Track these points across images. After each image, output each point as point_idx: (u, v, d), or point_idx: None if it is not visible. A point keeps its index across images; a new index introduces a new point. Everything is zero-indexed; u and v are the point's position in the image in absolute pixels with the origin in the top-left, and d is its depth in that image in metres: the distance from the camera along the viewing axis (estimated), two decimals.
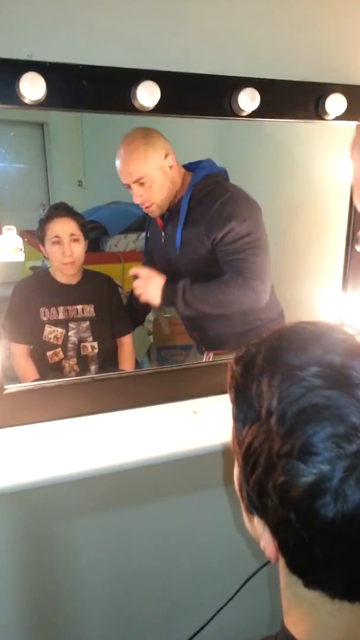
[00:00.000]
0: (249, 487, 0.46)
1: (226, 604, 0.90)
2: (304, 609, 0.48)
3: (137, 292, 1.22)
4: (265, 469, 0.43)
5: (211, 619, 0.92)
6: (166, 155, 1.20)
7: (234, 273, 1.21)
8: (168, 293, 1.20)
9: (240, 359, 0.50)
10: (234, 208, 1.19)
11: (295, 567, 0.46)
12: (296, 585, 0.47)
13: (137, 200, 1.22)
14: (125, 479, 1.17)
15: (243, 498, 0.49)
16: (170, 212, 1.26)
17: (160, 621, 1.34)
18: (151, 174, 1.19)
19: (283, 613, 0.51)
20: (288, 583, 0.48)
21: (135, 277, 1.23)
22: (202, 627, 0.93)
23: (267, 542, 0.47)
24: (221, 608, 0.91)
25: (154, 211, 1.25)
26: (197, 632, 0.94)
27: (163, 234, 1.31)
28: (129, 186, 1.21)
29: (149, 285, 1.20)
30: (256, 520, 0.48)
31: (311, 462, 0.40)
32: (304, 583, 0.46)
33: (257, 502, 0.46)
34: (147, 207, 1.24)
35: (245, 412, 0.47)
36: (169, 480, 1.25)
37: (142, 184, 1.19)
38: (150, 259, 1.40)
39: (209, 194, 1.21)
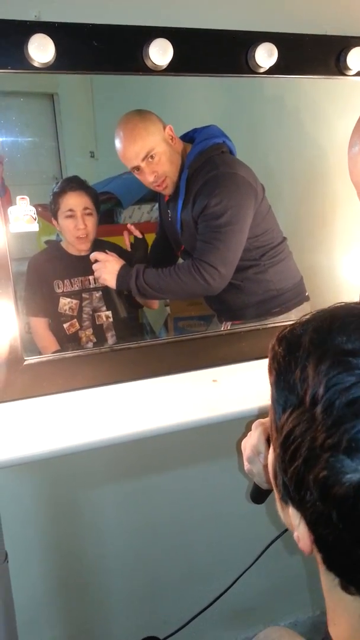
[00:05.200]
0: (286, 477, 0.43)
1: (247, 569, 0.91)
2: (350, 621, 0.45)
3: (95, 275, 1.23)
4: (306, 460, 0.40)
5: (233, 583, 0.94)
6: (164, 127, 1.17)
7: (192, 257, 1.18)
8: (122, 277, 1.19)
9: (283, 338, 0.46)
10: (214, 187, 1.16)
11: (333, 565, 0.44)
12: (337, 589, 0.44)
13: (150, 178, 1.19)
14: (146, 447, 1.18)
15: (278, 486, 0.47)
16: (174, 193, 1.24)
17: (183, 585, 1.37)
18: (157, 146, 1.16)
19: (328, 619, 0.48)
20: (328, 583, 0.46)
21: (96, 260, 1.22)
22: (225, 591, 0.95)
23: (302, 535, 0.44)
24: (242, 573, 0.92)
25: (168, 187, 1.22)
26: (219, 596, 0.95)
27: (169, 212, 1.29)
28: (137, 168, 1.19)
29: (106, 269, 1.20)
30: (291, 510, 0.45)
31: (359, 459, 0.37)
32: (341, 584, 0.44)
33: (294, 494, 0.43)
34: (161, 184, 1.21)
35: (286, 397, 0.43)
36: (189, 449, 1.26)
37: (151, 159, 1.16)
38: (163, 233, 1.38)
39: (199, 172, 1.18)
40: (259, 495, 0.81)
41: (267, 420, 0.74)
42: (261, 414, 0.94)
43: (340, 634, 0.47)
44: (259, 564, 0.89)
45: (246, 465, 0.75)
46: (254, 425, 0.74)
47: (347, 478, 0.38)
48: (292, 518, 0.45)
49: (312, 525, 0.42)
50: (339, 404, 0.39)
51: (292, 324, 0.47)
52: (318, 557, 0.45)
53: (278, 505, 0.49)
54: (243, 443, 0.76)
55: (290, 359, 0.44)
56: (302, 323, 0.46)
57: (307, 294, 1.35)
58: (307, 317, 0.46)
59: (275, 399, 0.45)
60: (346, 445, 0.38)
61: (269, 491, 0.79)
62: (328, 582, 0.46)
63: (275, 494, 0.49)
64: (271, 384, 0.47)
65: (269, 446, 0.71)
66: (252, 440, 0.73)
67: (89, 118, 1.61)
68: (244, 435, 0.76)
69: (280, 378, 0.45)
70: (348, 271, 1.38)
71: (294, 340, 0.45)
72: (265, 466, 0.72)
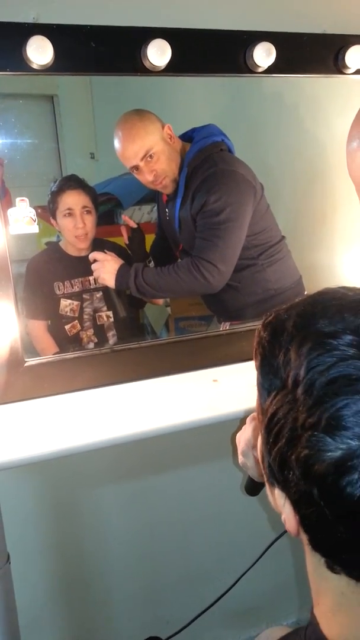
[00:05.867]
0: (270, 458, 0.44)
1: (249, 569, 0.91)
2: (332, 598, 0.45)
3: (95, 275, 1.23)
4: (288, 440, 0.41)
5: (235, 583, 0.93)
6: (163, 126, 1.17)
7: (191, 255, 1.18)
8: (121, 277, 1.19)
9: (268, 324, 0.47)
10: (212, 184, 1.15)
11: (317, 545, 0.44)
12: (322, 569, 0.45)
13: (149, 177, 1.19)
14: (147, 448, 1.18)
15: (265, 469, 0.48)
16: (172, 192, 1.24)
17: (185, 585, 1.37)
18: (156, 145, 1.16)
19: (312, 601, 0.49)
20: (315, 566, 0.46)
21: (94, 260, 1.22)
22: (227, 591, 0.95)
23: (288, 516, 0.45)
24: (244, 573, 0.92)
25: (168, 185, 1.22)
26: (221, 596, 0.95)
27: (167, 210, 1.29)
28: (136, 167, 1.19)
29: (104, 268, 1.20)
30: (277, 492, 0.46)
31: (339, 437, 0.38)
32: (327, 564, 0.44)
33: (279, 474, 0.44)
34: (161, 182, 1.21)
35: (270, 381, 0.45)
36: (190, 449, 1.26)
37: (150, 158, 1.17)
38: (162, 233, 1.38)
39: (198, 170, 1.18)
40: (253, 487, 0.82)
41: None
42: None
43: (323, 612, 0.47)
44: (261, 564, 0.89)
45: (240, 459, 0.76)
46: (248, 419, 0.75)
47: (327, 456, 0.38)
48: (279, 499, 0.46)
49: (296, 505, 0.43)
50: (319, 384, 0.40)
51: (277, 310, 0.48)
52: (304, 539, 0.46)
53: (267, 488, 0.50)
54: (237, 436, 0.77)
55: (275, 343, 0.45)
56: (287, 308, 0.47)
57: (306, 292, 1.34)
58: (293, 302, 0.47)
59: (260, 383, 0.47)
60: (326, 423, 0.38)
61: (263, 484, 0.80)
62: (313, 563, 0.46)
63: (264, 478, 0.49)
64: (256, 368, 0.48)
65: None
66: (246, 434, 0.74)
67: (89, 119, 1.62)
68: (239, 429, 0.77)
69: (265, 362, 0.46)
70: (348, 270, 1.38)
71: (279, 325, 0.46)
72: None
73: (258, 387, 0.47)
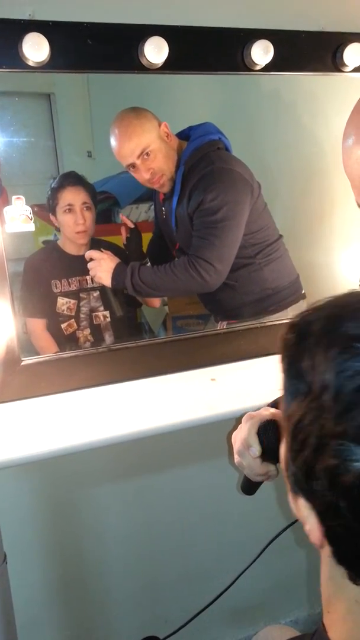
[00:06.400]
0: (295, 467, 0.43)
1: (247, 568, 0.91)
2: (345, 605, 0.44)
3: (91, 273, 1.22)
4: (314, 449, 0.40)
5: (233, 582, 0.93)
6: (160, 124, 1.17)
7: (188, 254, 1.18)
8: (118, 275, 1.18)
9: (294, 326, 0.45)
10: (209, 183, 1.15)
11: (342, 558, 0.43)
12: (341, 579, 0.43)
13: (146, 175, 1.19)
14: (145, 447, 1.18)
15: (289, 477, 0.46)
16: (169, 190, 1.23)
17: (183, 584, 1.36)
18: (153, 143, 1.16)
19: (323, 609, 0.48)
20: (332, 575, 0.45)
21: (91, 259, 1.22)
22: (225, 590, 0.94)
23: (312, 527, 0.43)
24: (242, 572, 0.92)
25: (165, 184, 1.22)
26: (219, 595, 0.95)
27: (163, 209, 1.28)
28: (133, 165, 1.18)
29: (101, 267, 1.20)
30: (301, 502, 0.44)
31: None
32: (349, 576, 0.43)
33: (304, 484, 0.42)
34: (158, 180, 1.21)
35: (295, 385, 0.43)
36: (188, 448, 1.26)
37: (147, 156, 1.16)
38: (159, 232, 1.38)
39: (195, 168, 1.18)
40: (249, 487, 0.82)
41: (257, 413, 0.75)
42: None
43: (334, 619, 0.46)
44: (259, 563, 0.89)
45: (236, 458, 0.76)
46: (244, 419, 0.75)
47: (356, 466, 0.37)
48: (303, 510, 0.44)
49: (322, 516, 0.42)
50: (347, 391, 0.38)
51: (304, 312, 0.46)
52: (327, 551, 0.44)
53: (290, 498, 0.49)
54: (233, 436, 0.76)
55: (301, 346, 0.43)
56: (313, 310, 0.45)
57: (303, 291, 1.34)
58: (319, 304, 0.45)
59: (286, 387, 0.45)
60: (354, 432, 0.37)
61: (259, 483, 0.79)
62: (331, 573, 0.45)
63: (287, 486, 0.48)
64: (282, 372, 0.46)
65: (259, 439, 0.71)
66: (242, 434, 0.73)
67: (86, 117, 1.61)
68: (234, 428, 0.76)
69: (291, 366, 0.44)
70: (346, 268, 1.38)
71: (305, 328, 0.44)
72: (255, 459, 0.72)
73: (283, 392, 0.46)
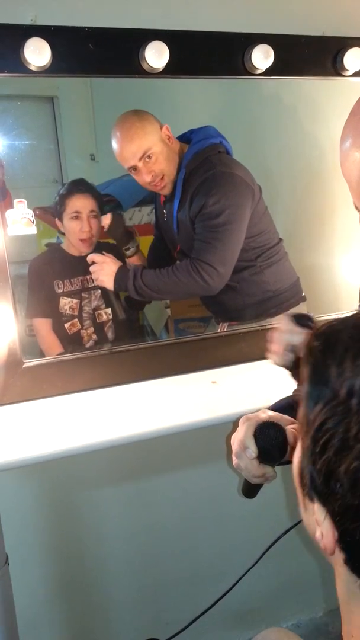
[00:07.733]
0: (314, 469, 0.43)
1: (248, 570, 0.91)
2: None
3: (93, 277, 1.23)
4: (337, 451, 0.41)
5: (234, 585, 0.93)
6: (161, 127, 1.18)
7: (190, 257, 1.18)
8: (120, 279, 1.19)
9: (321, 334, 0.46)
10: (211, 187, 1.16)
11: (356, 564, 0.43)
12: (357, 590, 0.43)
13: (147, 178, 1.19)
14: (146, 449, 1.18)
15: (303, 481, 0.47)
16: (170, 193, 1.24)
17: (184, 587, 1.36)
18: (155, 146, 1.16)
19: (342, 620, 0.47)
20: (347, 583, 0.45)
21: (93, 262, 1.22)
22: (226, 593, 0.94)
23: (325, 532, 0.43)
24: (243, 575, 0.92)
25: (166, 186, 1.23)
26: (220, 598, 0.95)
27: (164, 212, 1.29)
28: (134, 168, 1.19)
29: (103, 270, 1.21)
30: (316, 506, 0.44)
31: None
32: None
33: (323, 486, 0.43)
34: (159, 182, 1.21)
35: (320, 391, 0.44)
36: (189, 450, 1.26)
37: (149, 159, 1.17)
38: (160, 234, 1.38)
39: (196, 172, 1.18)
40: (249, 490, 0.82)
41: (253, 415, 0.75)
42: None
43: (347, 631, 0.46)
44: (261, 566, 0.89)
45: (234, 460, 0.76)
46: (241, 421, 0.75)
47: None
48: (317, 514, 0.44)
49: (339, 519, 0.42)
50: None
51: (331, 321, 0.47)
52: (339, 559, 0.45)
53: (301, 504, 0.49)
54: (232, 438, 0.77)
55: (327, 353, 0.44)
56: (341, 320, 0.47)
57: (303, 294, 1.34)
58: (347, 315, 0.47)
59: (308, 392, 0.46)
60: None
61: (259, 486, 0.79)
62: (347, 582, 0.45)
63: (299, 493, 0.49)
64: (305, 378, 0.47)
65: (255, 441, 0.71)
66: (239, 435, 0.73)
67: (89, 120, 1.62)
68: (233, 431, 0.77)
69: (316, 372, 0.45)
70: (346, 271, 1.38)
71: (333, 336, 0.45)
72: (252, 460, 0.72)
73: (305, 397, 0.46)
